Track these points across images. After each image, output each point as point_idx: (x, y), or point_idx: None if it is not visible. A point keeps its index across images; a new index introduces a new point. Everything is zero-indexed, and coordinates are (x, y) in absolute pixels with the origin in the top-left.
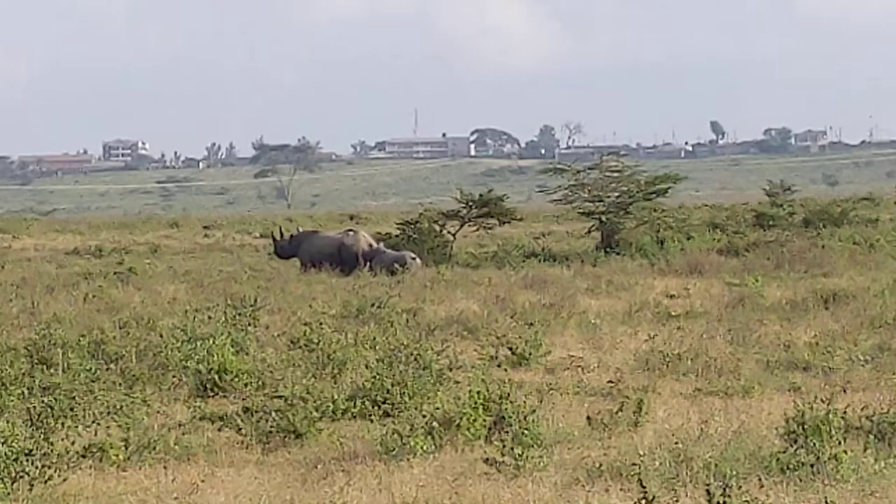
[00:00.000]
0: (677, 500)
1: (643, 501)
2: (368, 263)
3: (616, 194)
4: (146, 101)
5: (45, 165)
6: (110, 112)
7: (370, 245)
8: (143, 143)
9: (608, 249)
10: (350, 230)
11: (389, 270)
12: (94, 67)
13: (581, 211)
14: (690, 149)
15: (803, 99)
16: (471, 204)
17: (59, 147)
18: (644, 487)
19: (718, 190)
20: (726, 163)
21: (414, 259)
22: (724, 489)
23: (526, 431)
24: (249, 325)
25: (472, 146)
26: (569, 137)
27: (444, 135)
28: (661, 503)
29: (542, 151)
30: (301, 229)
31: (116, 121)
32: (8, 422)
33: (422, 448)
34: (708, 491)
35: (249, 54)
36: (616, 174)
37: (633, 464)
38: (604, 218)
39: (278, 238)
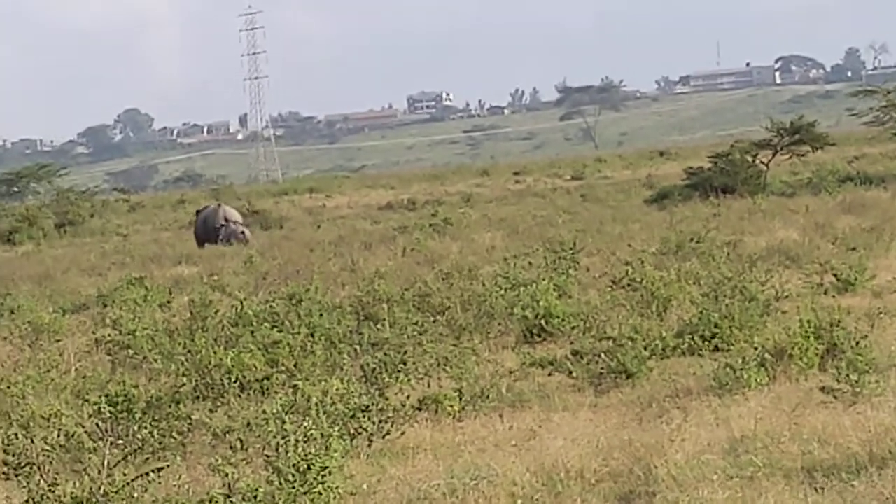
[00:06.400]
0: None
1: None
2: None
3: None
4: (448, 53)
5: (352, 123)
6: (413, 66)
7: (226, 219)
8: (447, 94)
9: None
10: (218, 205)
11: (229, 241)
12: (395, 23)
13: (895, 132)
14: None
15: None
16: (782, 132)
17: (363, 104)
18: None
19: None
20: None
21: (243, 233)
22: None
23: (859, 357)
24: (570, 268)
25: (777, 74)
26: (875, 58)
27: (747, 64)
28: None
29: (849, 74)
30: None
31: (420, 74)
32: (342, 380)
33: (756, 380)
34: None
35: None
36: None
37: None
38: None
39: None
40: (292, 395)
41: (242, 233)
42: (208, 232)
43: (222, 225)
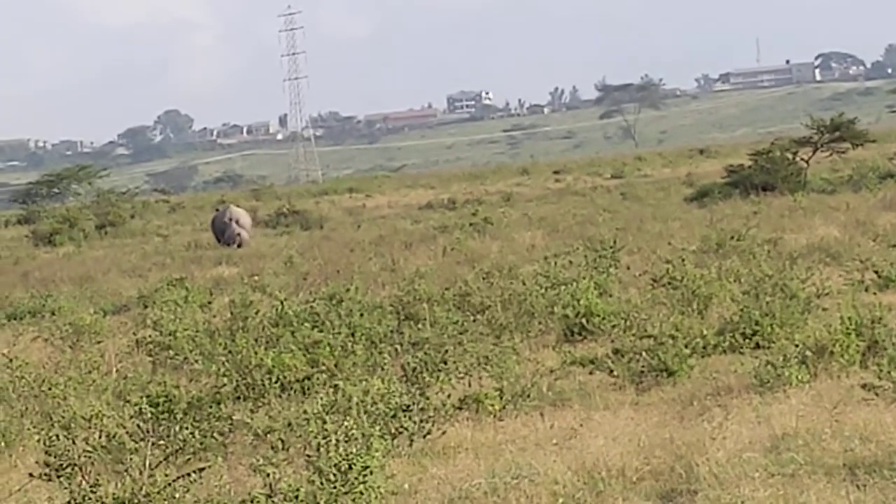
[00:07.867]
0: None
1: None
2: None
3: None
4: (487, 52)
5: (391, 123)
6: (453, 65)
7: (229, 219)
8: (487, 93)
9: None
10: (227, 206)
11: (227, 242)
12: (434, 21)
13: None
14: None
15: None
16: (822, 129)
17: (403, 104)
18: None
19: None
20: None
21: (239, 235)
22: None
23: None
24: (610, 266)
25: (817, 71)
26: None
27: (787, 62)
28: None
29: (889, 71)
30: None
31: (459, 73)
32: (383, 379)
33: (797, 378)
34: None
35: None
36: None
37: None
38: None
39: None
40: (333, 395)
41: (238, 234)
42: (218, 230)
43: (226, 224)
